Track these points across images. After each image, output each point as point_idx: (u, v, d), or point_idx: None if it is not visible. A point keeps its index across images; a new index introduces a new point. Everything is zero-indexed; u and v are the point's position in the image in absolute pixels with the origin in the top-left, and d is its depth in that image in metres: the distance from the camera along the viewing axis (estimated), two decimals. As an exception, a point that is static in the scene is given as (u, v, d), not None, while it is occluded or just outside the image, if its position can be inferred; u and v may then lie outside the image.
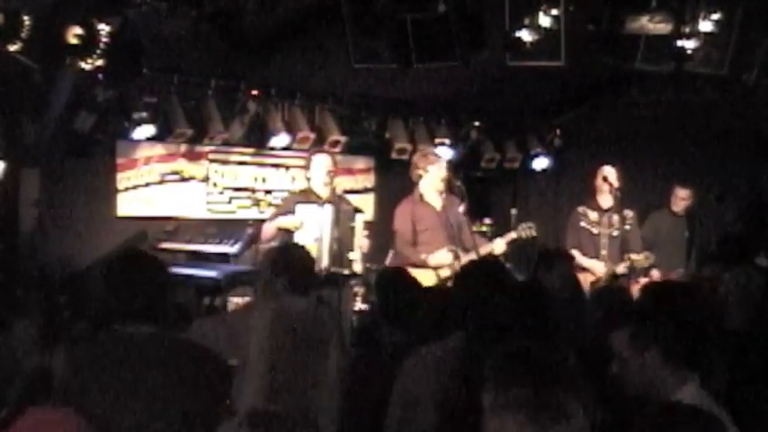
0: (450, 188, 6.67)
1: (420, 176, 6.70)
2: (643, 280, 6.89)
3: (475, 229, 7.34)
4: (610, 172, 7.26)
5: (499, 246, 6.65)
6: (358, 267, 6.40)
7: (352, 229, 6.37)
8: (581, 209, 7.36)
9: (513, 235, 6.76)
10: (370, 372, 3.93)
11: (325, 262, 6.16)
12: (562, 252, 5.99)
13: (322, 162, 6.51)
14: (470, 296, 3.47)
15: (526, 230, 6.72)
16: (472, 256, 6.24)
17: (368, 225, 6.65)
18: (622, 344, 3.06)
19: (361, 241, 6.44)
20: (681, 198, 8.06)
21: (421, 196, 6.68)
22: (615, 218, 7.19)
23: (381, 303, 4.65)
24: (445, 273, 6.34)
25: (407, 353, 3.55)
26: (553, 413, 1.94)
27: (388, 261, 6.95)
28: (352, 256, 6.31)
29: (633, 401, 3.02)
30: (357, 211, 6.56)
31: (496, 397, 1.99)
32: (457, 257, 6.28)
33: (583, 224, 7.29)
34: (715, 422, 2.19)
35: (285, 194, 7.58)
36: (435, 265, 6.38)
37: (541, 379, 1.98)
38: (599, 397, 3.04)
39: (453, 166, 7.45)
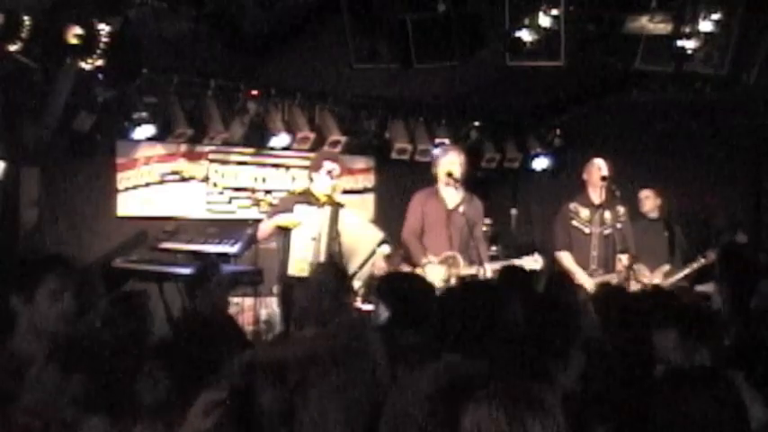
0: (454, 182, 6.59)
1: (436, 173, 6.69)
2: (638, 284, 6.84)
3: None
4: (602, 165, 7.04)
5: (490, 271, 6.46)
6: (357, 283, 6.38)
7: (374, 252, 6.37)
8: (572, 205, 7.14)
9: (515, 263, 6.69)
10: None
11: (322, 261, 6.16)
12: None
13: (332, 169, 6.45)
14: (460, 319, 3.51)
15: (532, 263, 6.56)
16: (472, 271, 6.26)
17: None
18: (668, 346, 3.00)
19: (379, 265, 6.41)
20: (644, 197, 7.97)
21: (437, 191, 6.65)
22: (607, 215, 7.01)
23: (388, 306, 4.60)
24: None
25: (403, 363, 3.56)
26: (529, 405, 1.90)
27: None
28: (357, 270, 6.31)
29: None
30: (385, 242, 6.53)
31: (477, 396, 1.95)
32: (449, 276, 6.29)
33: (574, 223, 7.10)
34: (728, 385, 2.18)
35: (284, 194, 7.59)
36: (428, 275, 6.33)
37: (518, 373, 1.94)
38: (640, 399, 3.01)
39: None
